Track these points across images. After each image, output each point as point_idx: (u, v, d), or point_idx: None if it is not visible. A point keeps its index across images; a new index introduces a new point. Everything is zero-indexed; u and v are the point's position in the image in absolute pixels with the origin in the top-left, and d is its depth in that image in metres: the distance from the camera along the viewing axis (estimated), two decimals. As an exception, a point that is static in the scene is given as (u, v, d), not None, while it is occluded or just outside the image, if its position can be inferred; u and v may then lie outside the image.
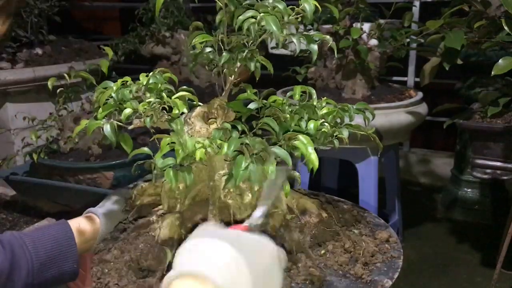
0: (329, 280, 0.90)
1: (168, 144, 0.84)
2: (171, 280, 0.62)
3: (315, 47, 0.90)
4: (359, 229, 1.07)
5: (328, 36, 0.95)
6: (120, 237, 0.97)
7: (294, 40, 0.88)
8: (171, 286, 0.61)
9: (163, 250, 0.91)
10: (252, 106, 0.97)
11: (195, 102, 0.96)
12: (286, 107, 0.97)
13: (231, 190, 0.95)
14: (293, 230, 0.98)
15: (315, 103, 1.00)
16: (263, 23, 0.83)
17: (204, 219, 0.96)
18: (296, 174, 0.93)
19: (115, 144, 0.86)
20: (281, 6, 0.85)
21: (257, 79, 0.96)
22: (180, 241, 0.91)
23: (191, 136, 0.92)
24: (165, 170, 0.82)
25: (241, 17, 0.84)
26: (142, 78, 0.91)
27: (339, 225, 1.06)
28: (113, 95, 0.88)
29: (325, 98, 1.02)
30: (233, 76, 0.97)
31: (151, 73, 0.93)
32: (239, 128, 0.91)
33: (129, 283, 0.88)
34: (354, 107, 1.04)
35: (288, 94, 1.05)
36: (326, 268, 0.93)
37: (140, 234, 0.96)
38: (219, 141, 0.85)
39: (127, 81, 0.92)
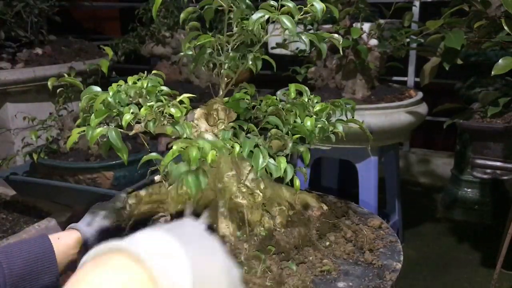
0: (344, 269, 0.94)
1: (181, 148, 0.79)
2: (97, 253, 0.47)
3: (324, 46, 0.92)
4: (350, 219, 1.13)
5: (336, 35, 0.96)
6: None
7: (304, 38, 0.89)
8: (95, 260, 0.47)
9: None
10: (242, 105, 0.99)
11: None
12: (278, 105, 0.99)
13: (243, 190, 0.96)
14: (299, 225, 1.00)
15: (306, 100, 1.02)
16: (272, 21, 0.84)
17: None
18: (303, 170, 0.94)
19: (117, 150, 0.85)
20: (290, 5, 0.85)
21: (257, 75, 0.97)
22: None
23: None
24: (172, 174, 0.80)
25: (253, 17, 0.84)
26: (131, 81, 0.90)
27: (336, 216, 1.10)
28: (110, 100, 0.86)
29: (313, 95, 1.05)
30: (232, 76, 0.97)
31: (137, 76, 0.92)
32: (245, 128, 0.93)
33: None
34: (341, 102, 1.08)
35: (280, 92, 1.08)
36: (336, 258, 0.97)
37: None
38: (231, 142, 0.86)
39: (121, 85, 0.90)
